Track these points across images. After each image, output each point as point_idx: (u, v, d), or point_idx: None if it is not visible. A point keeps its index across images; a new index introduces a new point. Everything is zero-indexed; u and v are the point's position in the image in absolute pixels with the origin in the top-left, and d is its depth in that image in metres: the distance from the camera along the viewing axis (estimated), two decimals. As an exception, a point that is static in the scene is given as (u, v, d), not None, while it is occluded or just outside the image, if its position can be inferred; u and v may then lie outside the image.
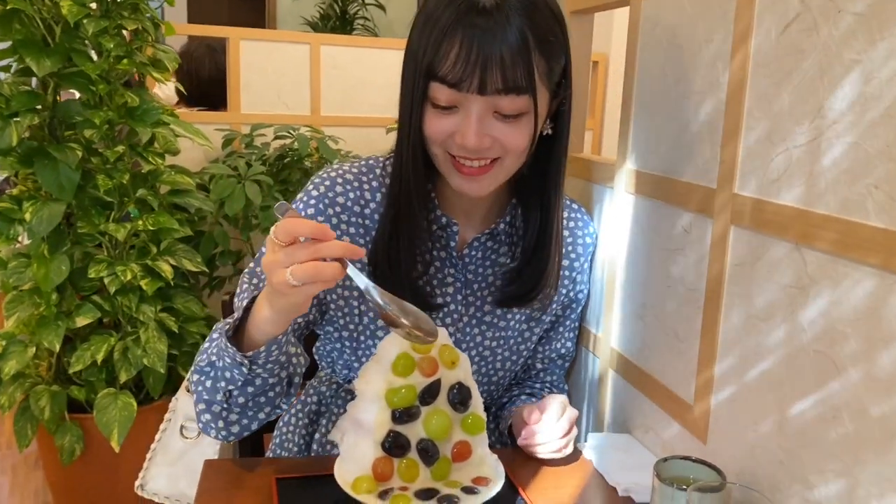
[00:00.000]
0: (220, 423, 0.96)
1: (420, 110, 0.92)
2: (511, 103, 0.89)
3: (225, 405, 0.94)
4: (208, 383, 0.93)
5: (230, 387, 0.91)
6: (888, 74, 0.67)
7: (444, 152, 0.95)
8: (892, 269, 0.66)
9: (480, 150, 0.92)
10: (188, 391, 1.24)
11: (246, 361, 0.87)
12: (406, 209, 0.99)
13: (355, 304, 1.05)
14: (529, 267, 1.06)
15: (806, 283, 0.77)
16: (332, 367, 1.14)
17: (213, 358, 0.92)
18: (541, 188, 1.04)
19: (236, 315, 0.90)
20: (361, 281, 0.79)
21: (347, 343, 1.07)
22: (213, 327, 1.00)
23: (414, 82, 0.91)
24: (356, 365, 1.08)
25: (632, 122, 1.12)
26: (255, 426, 0.97)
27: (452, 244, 1.06)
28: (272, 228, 0.77)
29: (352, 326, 1.06)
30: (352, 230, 1.03)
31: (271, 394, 0.95)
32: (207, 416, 0.95)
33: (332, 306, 1.06)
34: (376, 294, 0.80)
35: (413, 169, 0.96)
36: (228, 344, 0.86)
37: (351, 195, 1.03)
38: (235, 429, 0.97)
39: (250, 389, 0.92)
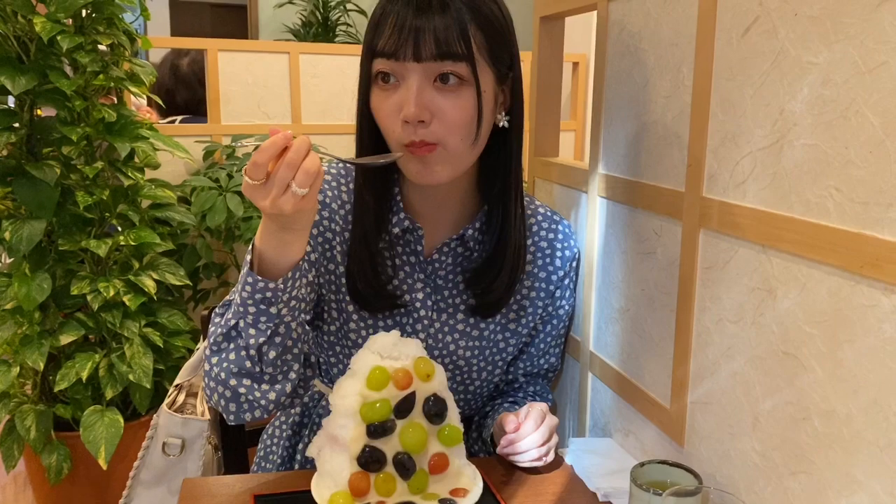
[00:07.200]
0: (256, 393, 0.94)
1: (368, 92, 0.96)
2: (448, 70, 0.91)
3: (257, 365, 0.92)
4: (231, 354, 0.92)
5: (260, 339, 0.90)
6: (843, 77, 0.67)
7: (398, 143, 0.95)
8: (853, 270, 0.66)
9: (420, 117, 0.91)
10: (168, 408, 1.24)
11: (276, 286, 0.87)
12: (372, 207, 1.01)
13: (346, 305, 1.06)
14: (489, 267, 1.05)
15: (773, 284, 0.77)
16: (322, 364, 1.15)
17: (233, 322, 0.91)
18: (501, 187, 1.04)
19: (247, 259, 0.90)
20: None
21: (336, 338, 1.08)
22: (214, 311, 1.00)
23: (362, 70, 0.96)
24: (347, 362, 1.09)
25: (602, 127, 1.12)
26: (288, 388, 0.95)
27: (419, 248, 1.06)
28: (244, 176, 0.80)
29: (340, 320, 1.07)
30: (334, 226, 1.05)
31: (296, 350, 0.94)
32: (242, 389, 0.94)
33: (325, 306, 1.08)
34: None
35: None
36: (258, 278, 0.87)
37: (329, 193, 1.06)
38: (272, 395, 0.94)
39: (278, 339, 0.91)
